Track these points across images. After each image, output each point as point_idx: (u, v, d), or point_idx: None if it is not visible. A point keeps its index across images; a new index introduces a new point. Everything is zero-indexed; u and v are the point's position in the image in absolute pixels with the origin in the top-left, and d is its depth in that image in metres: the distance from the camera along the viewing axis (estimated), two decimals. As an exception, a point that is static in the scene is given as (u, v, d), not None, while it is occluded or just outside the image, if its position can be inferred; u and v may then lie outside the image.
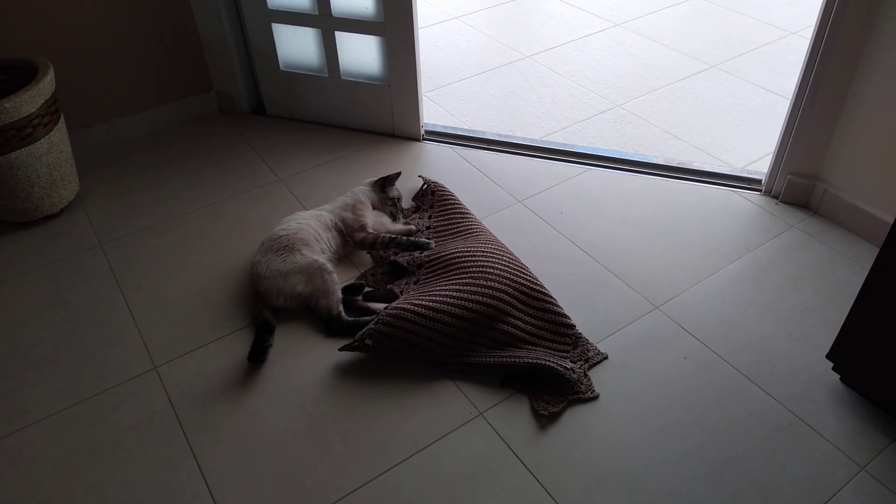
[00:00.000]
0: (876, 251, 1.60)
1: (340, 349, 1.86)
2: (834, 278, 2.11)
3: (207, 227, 2.37)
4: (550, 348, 1.87)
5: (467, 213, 2.31)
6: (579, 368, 1.82)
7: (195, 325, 2.00)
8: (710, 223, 2.34)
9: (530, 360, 1.79)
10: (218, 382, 1.83)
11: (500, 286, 1.93)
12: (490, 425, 1.71)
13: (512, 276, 1.97)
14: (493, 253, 2.04)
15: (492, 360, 1.82)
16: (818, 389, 1.79)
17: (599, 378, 1.82)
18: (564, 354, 1.85)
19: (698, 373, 1.84)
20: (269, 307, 1.96)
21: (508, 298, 1.92)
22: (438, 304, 1.85)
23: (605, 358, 1.87)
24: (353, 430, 1.71)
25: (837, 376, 1.80)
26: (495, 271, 1.96)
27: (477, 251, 2.04)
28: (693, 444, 1.67)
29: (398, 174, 2.36)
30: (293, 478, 1.60)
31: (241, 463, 1.64)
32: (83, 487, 1.60)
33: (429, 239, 2.19)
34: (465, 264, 2.00)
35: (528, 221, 2.36)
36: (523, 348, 1.86)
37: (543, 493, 1.57)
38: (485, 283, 1.92)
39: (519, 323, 1.90)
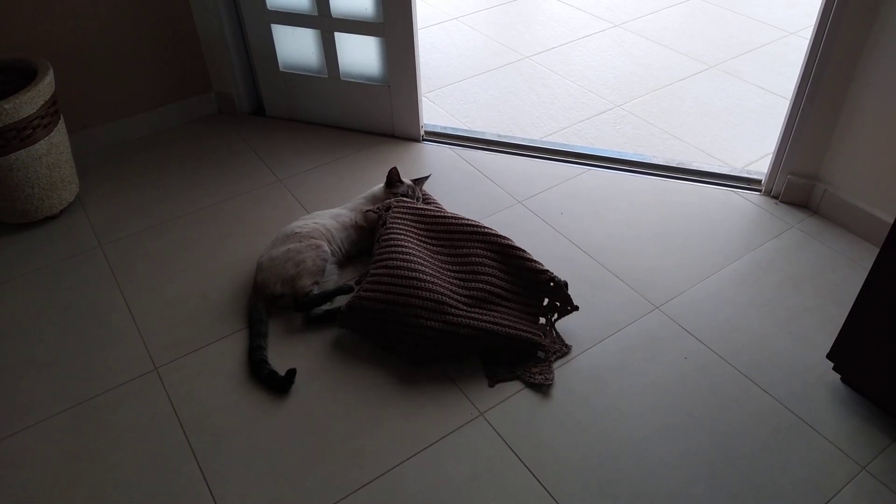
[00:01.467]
0: (876, 251, 1.60)
1: (340, 324, 1.91)
2: (834, 278, 2.12)
3: (207, 228, 2.37)
4: (525, 303, 1.94)
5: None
6: (547, 325, 1.91)
7: (195, 326, 2.00)
8: (710, 223, 2.34)
9: (508, 331, 1.83)
10: (218, 383, 1.83)
11: (472, 246, 2.01)
12: (491, 426, 1.71)
13: (482, 238, 2.04)
14: (462, 222, 2.10)
15: (474, 322, 1.82)
16: (819, 389, 1.79)
17: (600, 379, 1.82)
18: (535, 311, 1.94)
19: (699, 373, 1.84)
20: (265, 300, 1.97)
21: (480, 259, 1.98)
22: (415, 266, 1.90)
23: (577, 309, 1.92)
24: (353, 430, 1.71)
25: (838, 376, 1.80)
26: (464, 235, 2.05)
27: (448, 222, 2.11)
28: (693, 444, 1.67)
29: (394, 170, 2.27)
30: (294, 478, 1.60)
31: (242, 464, 1.64)
32: (83, 489, 1.60)
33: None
34: (437, 224, 2.11)
35: (528, 222, 2.36)
36: (502, 307, 1.91)
37: (544, 494, 1.57)
38: (455, 246, 2.02)
39: (494, 280, 1.95)
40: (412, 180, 2.33)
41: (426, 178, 2.40)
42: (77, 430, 1.73)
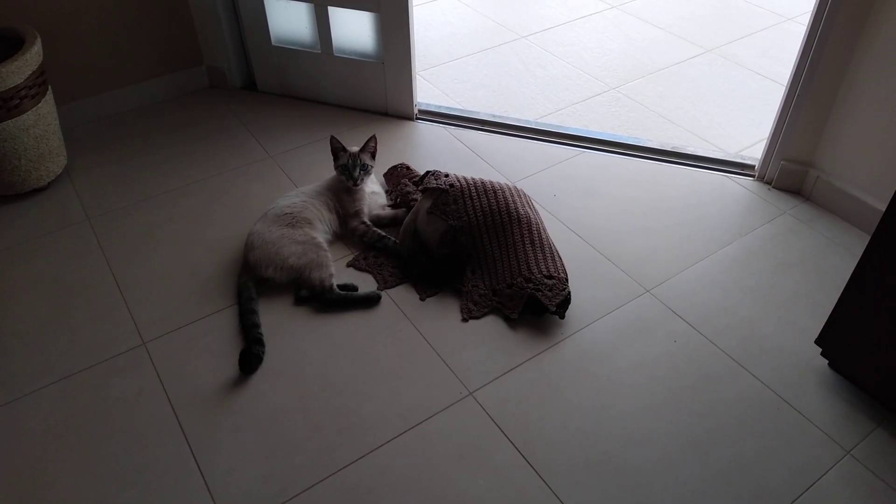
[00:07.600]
0: (867, 238, 1.61)
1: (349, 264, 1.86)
2: (825, 265, 2.12)
3: (196, 202, 2.34)
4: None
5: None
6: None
7: (184, 300, 1.98)
8: (702, 208, 2.34)
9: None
10: (207, 359, 1.82)
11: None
12: (479, 405, 1.71)
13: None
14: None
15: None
16: (806, 374, 1.80)
17: (589, 361, 1.82)
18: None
19: (687, 356, 1.85)
20: (255, 278, 1.96)
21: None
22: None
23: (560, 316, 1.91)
24: (342, 408, 1.71)
25: (825, 362, 1.81)
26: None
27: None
28: (680, 426, 1.68)
29: (333, 138, 2.17)
30: (282, 455, 1.60)
31: (231, 440, 1.64)
32: (70, 462, 1.59)
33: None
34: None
35: (521, 203, 2.34)
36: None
37: (532, 473, 1.57)
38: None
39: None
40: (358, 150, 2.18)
41: (373, 141, 2.20)
42: (64, 404, 1.72)
